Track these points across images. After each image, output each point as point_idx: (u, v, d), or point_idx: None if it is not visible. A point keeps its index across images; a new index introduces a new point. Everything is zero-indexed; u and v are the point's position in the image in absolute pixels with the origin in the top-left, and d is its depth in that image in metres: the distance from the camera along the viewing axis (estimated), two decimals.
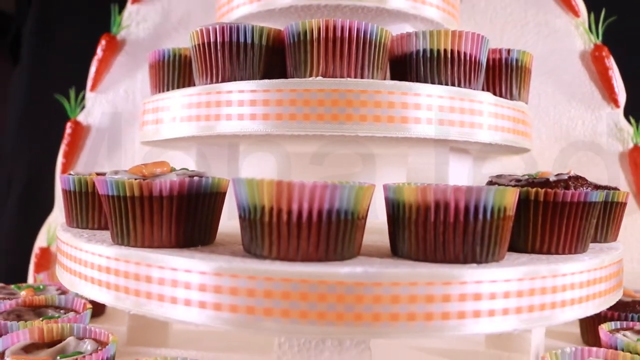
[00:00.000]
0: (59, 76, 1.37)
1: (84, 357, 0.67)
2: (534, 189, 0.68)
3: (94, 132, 1.27)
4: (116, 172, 0.71)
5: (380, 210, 0.77)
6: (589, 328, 0.97)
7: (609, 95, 1.18)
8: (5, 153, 1.59)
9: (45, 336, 0.76)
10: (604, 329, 0.86)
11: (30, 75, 1.53)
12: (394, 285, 0.56)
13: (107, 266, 0.66)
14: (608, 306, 0.76)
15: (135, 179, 0.66)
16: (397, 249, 0.65)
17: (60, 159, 1.27)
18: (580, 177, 0.73)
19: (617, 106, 1.18)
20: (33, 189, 1.50)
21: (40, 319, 0.82)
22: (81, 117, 1.27)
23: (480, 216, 0.60)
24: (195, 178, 0.66)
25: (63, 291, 0.99)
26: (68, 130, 1.26)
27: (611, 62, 1.18)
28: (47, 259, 1.28)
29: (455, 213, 0.60)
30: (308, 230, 0.58)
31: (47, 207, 1.33)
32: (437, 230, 0.60)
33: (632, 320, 0.93)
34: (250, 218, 0.61)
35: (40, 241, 1.30)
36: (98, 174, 0.83)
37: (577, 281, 0.67)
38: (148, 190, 0.65)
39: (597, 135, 1.18)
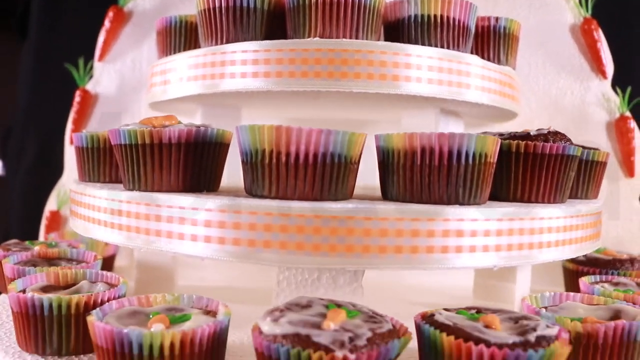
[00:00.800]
0: (67, 48, 1.42)
1: (98, 294, 0.73)
2: (515, 141, 0.74)
3: (101, 100, 1.32)
4: (127, 125, 0.77)
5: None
6: (573, 285, 1.03)
7: (597, 67, 1.24)
8: (16, 123, 1.65)
9: (60, 280, 0.81)
10: (584, 280, 0.92)
11: (39, 47, 1.58)
12: (383, 220, 0.62)
13: (120, 209, 0.73)
14: (585, 252, 0.82)
15: (146, 129, 0.72)
16: (387, 193, 0.71)
17: (69, 126, 1.33)
18: (560, 133, 0.79)
19: (605, 77, 1.24)
20: (43, 156, 1.56)
21: None
22: (89, 86, 1.33)
23: (463, 160, 0.66)
24: (202, 127, 0.72)
25: (74, 246, 1.06)
26: (77, 99, 1.31)
27: (600, 35, 1.23)
28: (57, 222, 1.34)
29: (439, 157, 0.65)
30: (304, 171, 0.64)
31: (57, 173, 1.39)
32: (422, 173, 0.66)
33: (612, 275, 1.00)
34: (252, 161, 0.67)
35: (51, 205, 1.36)
36: None
37: (555, 225, 0.73)
38: (158, 137, 0.71)
39: (585, 105, 1.24)
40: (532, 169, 0.75)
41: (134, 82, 1.31)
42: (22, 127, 1.62)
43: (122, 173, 0.76)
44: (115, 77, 1.32)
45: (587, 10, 1.24)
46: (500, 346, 0.57)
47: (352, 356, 0.54)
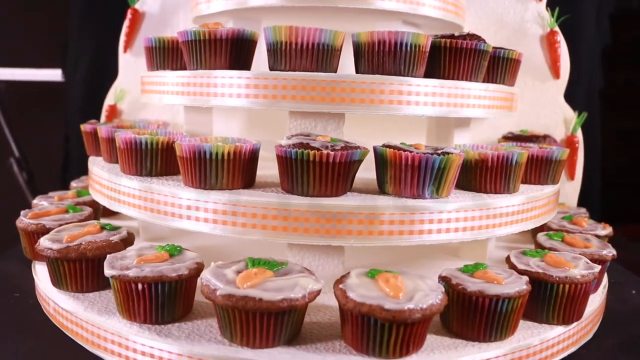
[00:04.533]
0: None
1: (173, 137, 1.22)
2: (443, 39, 1.21)
3: (147, 18, 1.79)
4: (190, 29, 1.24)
5: None
6: None
7: None
8: (72, 38, 2.11)
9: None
10: (502, 142, 1.40)
11: None
12: (352, 82, 1.10)
13: (187, 82, 1.20)
14: (502, 116, 1.29)
15: (205, 29, 1.19)
16: (357, 70, 1.18)
17: (122, 38, 1.79)
18: (475, 35, 1.25)
19: (540, 0, 1.69)
20: (98, 62, 2.04)
21: None
22: (138, 6, 1.79)
23: (404, 48, 1.13)
24: (240, 28, 1.19)
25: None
26: (129, 16, 1.78)
27: None
28: (114, 113, 1.82)
29: (389, 46, 1.13)
30: (307, 53, 1.12)
31: (108, 78, 1.86)
32: (379, 56, 1.14)
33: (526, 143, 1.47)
34: (274, 49, 1.14)
35: (109, 100, 1.84)
36: None
37: (469, 94, 1.20)
38: (214, 34, 1.18)
39: (524, 22, 1.70)
40: (455, 58, 1.21)
41: (173, 2, 1.77)
42: (76, 41, 2.09)
43: (186, 59, 1.23)
44: None
45: None
46: (418, 153, 1.05)
47: (332, 153, 1.02)
